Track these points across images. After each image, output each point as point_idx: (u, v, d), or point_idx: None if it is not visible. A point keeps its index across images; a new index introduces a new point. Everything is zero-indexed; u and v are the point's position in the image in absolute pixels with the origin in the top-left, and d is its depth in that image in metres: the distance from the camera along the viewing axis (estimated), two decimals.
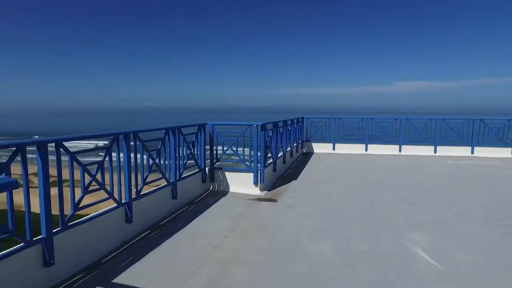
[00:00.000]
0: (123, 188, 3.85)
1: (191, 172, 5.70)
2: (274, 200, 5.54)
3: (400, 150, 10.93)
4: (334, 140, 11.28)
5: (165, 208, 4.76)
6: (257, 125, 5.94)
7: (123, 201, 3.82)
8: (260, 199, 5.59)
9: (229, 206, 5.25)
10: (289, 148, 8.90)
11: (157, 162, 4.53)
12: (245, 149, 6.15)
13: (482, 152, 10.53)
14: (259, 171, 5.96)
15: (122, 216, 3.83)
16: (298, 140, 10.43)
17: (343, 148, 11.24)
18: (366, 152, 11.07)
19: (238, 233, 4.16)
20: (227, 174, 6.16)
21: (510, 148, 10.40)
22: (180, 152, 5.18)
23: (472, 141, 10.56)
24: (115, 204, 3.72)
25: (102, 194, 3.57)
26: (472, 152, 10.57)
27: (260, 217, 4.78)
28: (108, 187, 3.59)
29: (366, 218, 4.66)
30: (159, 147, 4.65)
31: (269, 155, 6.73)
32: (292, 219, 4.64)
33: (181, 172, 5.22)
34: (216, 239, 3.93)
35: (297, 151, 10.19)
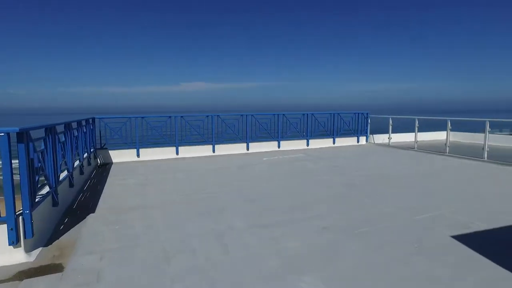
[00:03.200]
0: None
1: None
2: (58, 269, 2.96)
3: (213, 151, 9.90)
4: (138, 144, 9.03)
5: None
6: (7, 133, 3.08)
7: None
8: (28, 273, 2.89)
9: None
10: (77, 162, 6.11)
11: None
12: None
13: (286, 145, 10.90)
14: (20, 217, 3.18)
15: None
16: (90, 149, 7.62)
17: (149, 154, 9.16)
18: (177, 156, 9.44)
19: None
20: None
21: (305, 140, 11.25)
22: None
23: (278, 136, 10.77)
24: None
25: None
26: (279, 146, 10.79)
27: None
28: None
29: (229, 275, 2.89)
30: None
31: (42, 181, 3.95)
32: None
33: None
34: None
35: (89, 164, 7.38)
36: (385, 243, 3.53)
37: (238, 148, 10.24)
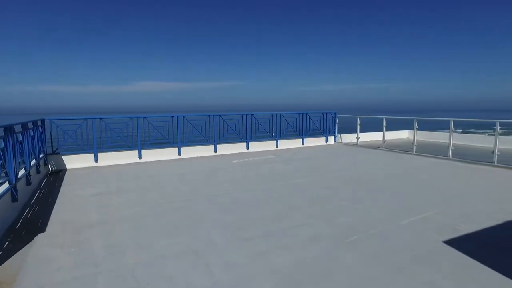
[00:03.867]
0: None
1: None
2: None
3: (179, 154, 9.27)
4: (96, 148, 8.19)
5: None
6: None
7: None
8: None
9: None
10: (23, 171, 5.29)
11: None
12: None
13: (255, 146, 10.53)
14: None
15: None
16: (39, 155, 6.72)
17: (109, 158, 8.36)
18: (140, 160, 8.72)
19: None
20: None
21: (275, 141, 10.94)
22: None
23: (247, 137, 10.36)
24: None
25: None
26: (248, 148, 10.38)
27: None
28: None
29: None
30: None
31: None
32: None
33: None
34: None
35: (38, 172, 6.51)
36: (380, 252, 3.26)
37: (205, 150, 9.70)
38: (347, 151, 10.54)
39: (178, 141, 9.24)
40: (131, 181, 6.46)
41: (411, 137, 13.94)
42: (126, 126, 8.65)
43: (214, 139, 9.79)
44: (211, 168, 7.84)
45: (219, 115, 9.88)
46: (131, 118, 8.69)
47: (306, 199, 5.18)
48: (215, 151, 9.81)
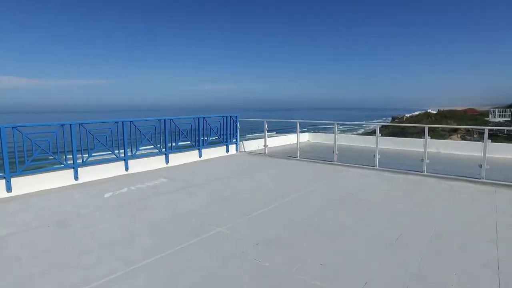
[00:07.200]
0: None
1: None
2: None
3: (9, 189, 5.70)
4: None
5: None
6: None
7: None
8: None
9: None
10: None
11: None
12: None
13: (137, 165, 7.59)
14: None
15: None
16: None
17: None
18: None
19: None
20: None
21: (164, 156, 8.22)
22: None
23: (125, 152, 7.33)
24: None
25: None
26: (127, 168, 7.37)
27: None
28: None
29: None
30: None
31: None
32: None
33: None
34: None
35: None
36: None
37: (58, 178, 6.31)
38: (258, 164, 8.56)
39: (6, 169, 5.66)
40: None
41: (312, 140, 13.07)
42: None
43: (74, 160, 6.49)
44: (65, 213, 4.73)
45: (80, 124, 6.58)
46: None
47: (250, 284, 2.88)
48: (76, 178, 6.52)
